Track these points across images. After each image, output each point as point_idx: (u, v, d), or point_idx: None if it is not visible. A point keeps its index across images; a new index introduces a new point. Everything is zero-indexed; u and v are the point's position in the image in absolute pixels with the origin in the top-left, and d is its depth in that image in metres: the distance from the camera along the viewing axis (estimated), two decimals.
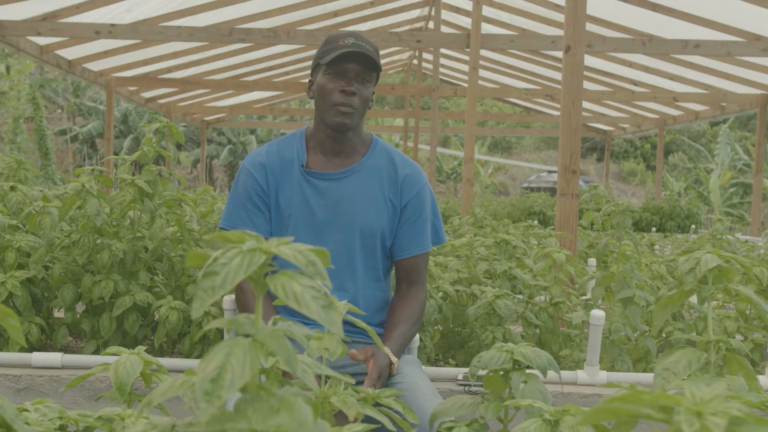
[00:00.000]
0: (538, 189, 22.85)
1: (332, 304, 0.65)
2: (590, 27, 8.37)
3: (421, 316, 2.11)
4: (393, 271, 2.31)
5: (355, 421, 1.17)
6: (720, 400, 0.59)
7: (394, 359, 1.88)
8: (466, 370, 2.47)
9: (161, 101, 13.35)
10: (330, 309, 0.64)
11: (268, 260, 0.66)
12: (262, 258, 0.65)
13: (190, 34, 7.10)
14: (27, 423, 0.94)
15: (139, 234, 2.90)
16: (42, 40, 8.20)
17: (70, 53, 9.05)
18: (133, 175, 2.87)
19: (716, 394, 0.59)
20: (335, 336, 1.27)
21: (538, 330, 2.99)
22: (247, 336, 0.64)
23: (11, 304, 2.68)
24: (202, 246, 3.06)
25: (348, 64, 2.00)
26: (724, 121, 22.98)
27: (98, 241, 2.78)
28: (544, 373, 1.20)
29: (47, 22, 7.26)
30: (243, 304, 2.07)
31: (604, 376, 2.51)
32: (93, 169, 2.88)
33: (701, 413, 0.58)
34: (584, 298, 3.24)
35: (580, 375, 2.50)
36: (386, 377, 1.84)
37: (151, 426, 0.68)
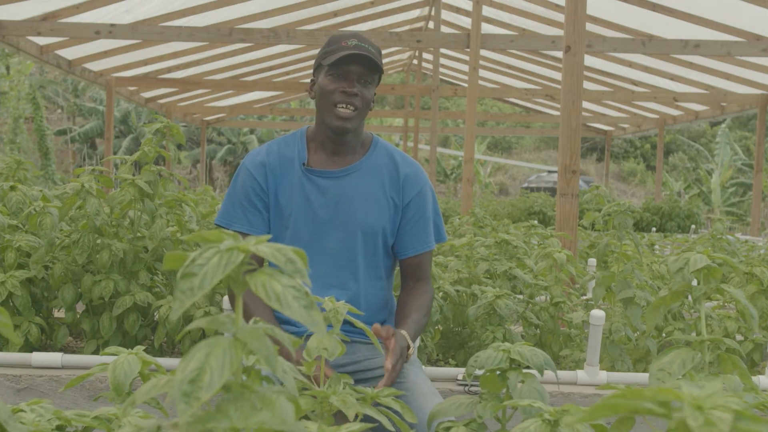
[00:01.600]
0: (538, 189, 22.84)
1: (313, 304, 0.64)
2: (590, 27, 8.36)
3: (430, 307, 2.12)
4: (396, 272, 2.31)
5: (355, 420, 1.17)
6: (719, 395, 0.59)
7: (411, 343, 1.88)
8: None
9: (161, 101, 13.35)
10: (311, 308, 0.64)
11: (247, 259, 0.66)
12: (240, 257, 0.64)
13: (190, 34, 7.10)
14: (23, 423, 0.94)
15: (139, 234, 2.90)
16: (42, 40, 8.20)
17: (70, 53, 9.05)
18: (133, 175, 2.87)
19: (714, 390, 0.59)
20: (334, 335, 1.27)
21: (538, 330, 2.99)
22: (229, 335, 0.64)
23: (11, 304, 2.68)
24: (203, 246, 3.07)
25: (350, 66, 2.01)
26: (723, 121, 22.98)
27: (98, 241, 2.78)
28: (541, 372, 1.19)
29: (47, 22, 7.26)
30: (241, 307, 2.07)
31: (604, 376, 2.51)
32: (93, 169, 2.88)
33: (702, 407, 0.58)
34: (585, 298, 3.24)
35: (580, 375, 2.50)
36: (404, 360, 1.83)
37: (137, 428, 0.68)
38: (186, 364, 0.60)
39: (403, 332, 1.89)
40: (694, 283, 1.16)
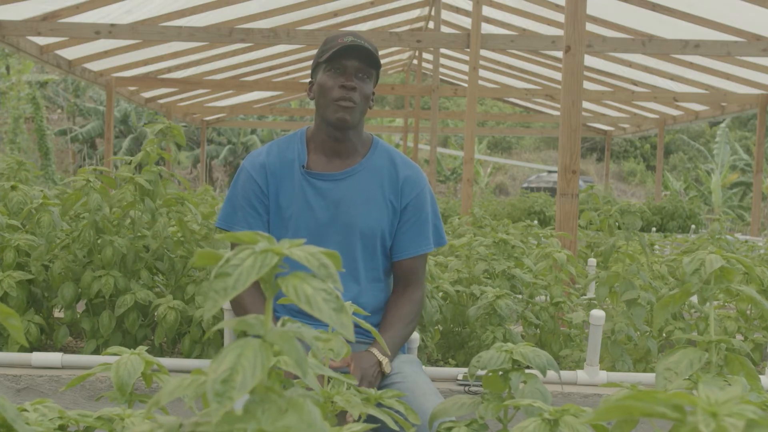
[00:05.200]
0: (538, 189, 22.83)
1: (343, 308, 0.65)
2: (590, 27, 8.36)
3: (416, 316, 2.11)
4: None
5: (358, 420, 1.17)
6: (735, 402, 0.59)
7: (381, 358, 1.88)
8: (465, 370, 2.46)
9: (161, 101, 13.35)
10: (341, 312, 0.65)
11: (280, 262, 0.66)
12: (274, 259, 0.65)
13: (190, 34, 7.10)
14: (27, 423, 0.94)
15: (139, 234, 2.91)
16: (42, 40, 8.19)
17: (70, 53, 9.05)
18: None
19: (731, 396, 0.59)
20: (340, 337, 1.27)
21: (538, 330, 2.99)
22: (256, 337, 0.64)
23: (6, 304, 2.68)
24: (204, 247, 3.07)
25: (347, 60, 2.01)
26: (723, 121, 22.98)
27: (99, 240, 2.78)
28: (544, 372, 1.19)
29: (47, 22, 7.25)
30: (240, 304, 2.06)
31: (604, 376, 2.51)
32: (95, 169, 2.89)
33: (716, 414, 0.58)
34: (585, 298, 3.24)
35: (580, 375, 2.50)
36: (375, 377, 1.84)
37: (157, 425, 0.68)
38: (218, 365, 0.60)
39: (373, 350, 1.90)
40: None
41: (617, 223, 2.85)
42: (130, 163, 2.93)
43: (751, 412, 0.57)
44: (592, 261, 4.02)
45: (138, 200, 2.81)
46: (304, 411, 0.59)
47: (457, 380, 2.43)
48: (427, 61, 14.53)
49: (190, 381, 0.70)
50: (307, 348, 1.80)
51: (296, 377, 1.46)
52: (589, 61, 10.23)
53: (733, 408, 0.58)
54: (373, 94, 2.11)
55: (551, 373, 1.21)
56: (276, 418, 0.58)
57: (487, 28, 9.96)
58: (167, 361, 2.49)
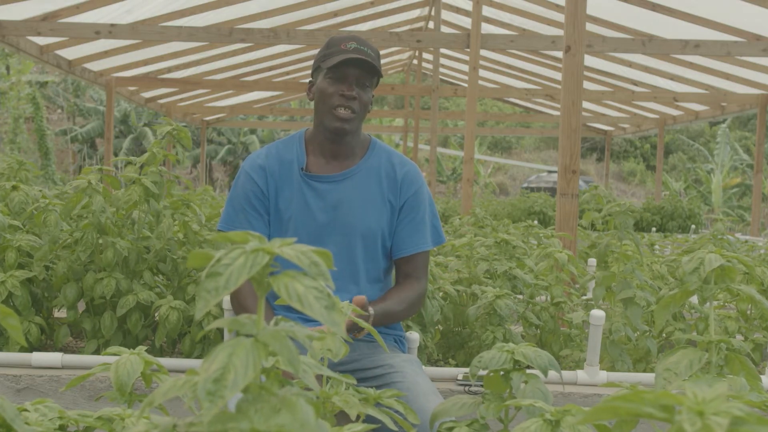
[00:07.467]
0: (538, 189, 22.82)
1: (335, 305, 0.65)
2: (590, 27, 8.36)
3: (413, 303, 2.10)
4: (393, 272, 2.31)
5: (357, 420, 1.17)
6: (722, 400, 0.58)
7: (371, 311, 1.90)
8: (466, 370, 2.46)
9: (161, 101, 13.34)
10: (333, 309, 0.64)
11: (271, 261, 0.66)
12: (265, 258, 0.65)
13: (190, 34, 7.10)
14: (27, 423, 0.94)
15: (142, 234, 2.90)
16: (42, 40, 8.19)
17: (70, 53, 9.05)
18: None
19: (718, 394, 0.59)
20: (338, 336, 1.27)
21: (538, 330, 2.99)
22: (248, 336, 0.64)
23: (11, 303, 2.68)
24: (205, 248, 3.06)
25: (349, 69, 2.02)
26: (723, 121, 22.97)
27: (101, 241, 2.78)
28: (545, 373, 1.19)
29: (47, 22, 7.25)
30: (241, 304, 2.06)
31: (604, 376, 2.51)
32: (100, 169, 2.89)
33: (703, 413, 0.58)
34: (585, 298, 3.23)
35: (580, 375, 2.50)
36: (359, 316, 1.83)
37: (152, 426, 0.68)
38: (209, 364, 0.60)
39: (369, 306, 1.91)
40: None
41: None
42: (135, 164, 2.93)
43: (737, 409, 0.57)
44: (593, 261, 4.02)
45: (143, 201, 2.81)
46: (298, 410, 0.59)
47: (458, 380, 2.43)
48: (427, 61, 14.53)
49: (184, 381, 0.70)
50: (305, 349, 1.79)
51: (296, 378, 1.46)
52: (589, 61, 10.23)
53: (719, 406, 0.57)
54: (372, 95, 2.13)
55: (552, 373, 1.21)
56: (269, 416, 0.58)
57: (487, 28, 9.95)
58: (167, 362, 2.48)
